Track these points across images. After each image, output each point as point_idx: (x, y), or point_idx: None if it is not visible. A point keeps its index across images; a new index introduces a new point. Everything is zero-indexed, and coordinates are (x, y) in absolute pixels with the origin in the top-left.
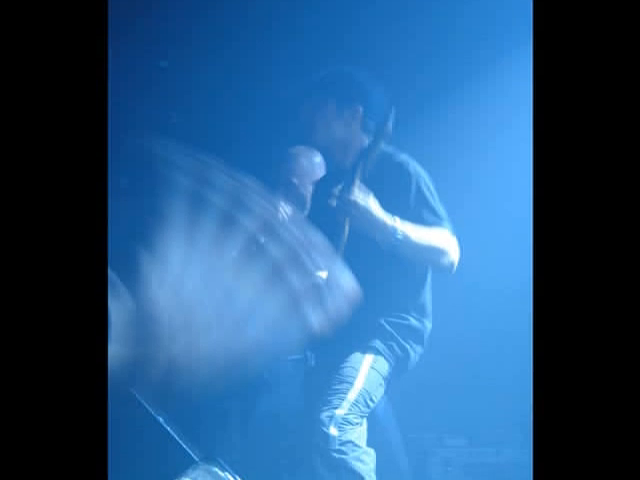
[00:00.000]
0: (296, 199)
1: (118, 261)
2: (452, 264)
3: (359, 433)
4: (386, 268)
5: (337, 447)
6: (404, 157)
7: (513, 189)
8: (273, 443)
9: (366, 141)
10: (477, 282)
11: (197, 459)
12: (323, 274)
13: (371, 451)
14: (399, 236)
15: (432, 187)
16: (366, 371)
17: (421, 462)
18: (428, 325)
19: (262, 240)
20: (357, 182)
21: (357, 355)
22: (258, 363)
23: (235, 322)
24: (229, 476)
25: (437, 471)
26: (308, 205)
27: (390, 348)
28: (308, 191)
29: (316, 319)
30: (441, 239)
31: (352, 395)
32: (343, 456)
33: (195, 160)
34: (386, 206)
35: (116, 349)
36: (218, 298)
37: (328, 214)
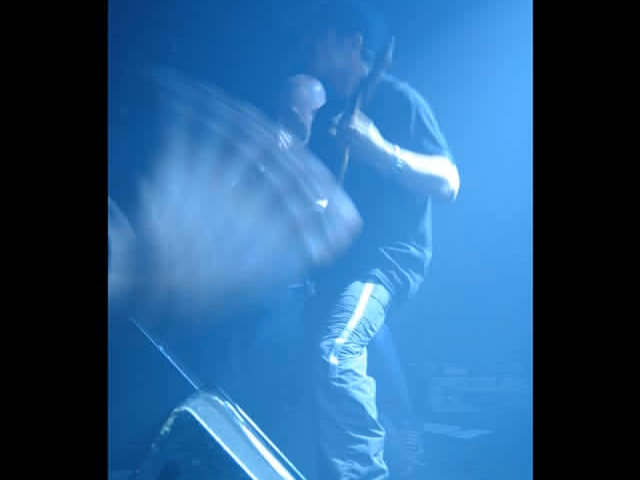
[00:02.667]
0: (296, 128)
1: (118, 190)
2: (452, 193)
3: (359, 362)
4: (386, 197)
5: (337, 376)
6: (404, 86)
7: (513, 118)
8: (273, 372)
9: (366, 70)
10: (477, 211)
11: (197, 388)
12: (323, 203)
13: (371, 380)
14: (399, 165)
15: (432, 116)
16: (366, 300)
17: (421, 391)
18: (428, 254)
19: (262, 169)
20: (357, 111)
21: (357, 284)
22: (258, 292)
23: (235, 251)
24: (229, 405)
25: (437, 400)
26: (308, 134)
27: (390, 277)
28: (308, 120)
29: (316, 248)
30: (441, 168)
31: (352, 324)
32: (343, 385)
33: (195, 89)
34: (386, 135)
35: (116, 278)
36: (218, 227)
37: (328, 143)
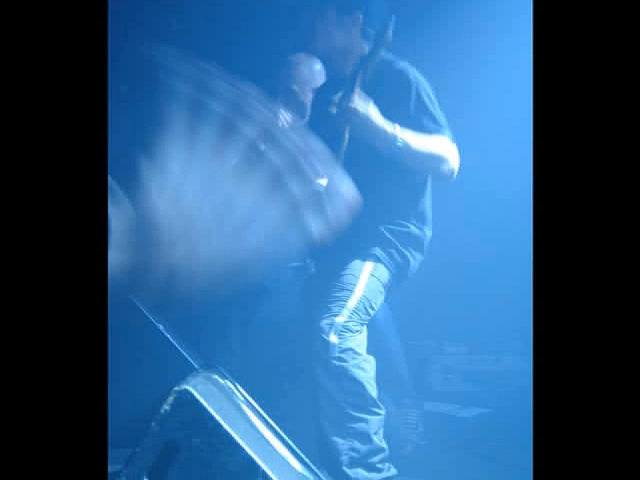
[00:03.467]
0: (296, 107)
1: (118, 168)
2: (452, 172)
3: (359, 341)
4: (386, 176)
5: (337, 354)
6: (404, 65)
7: (513, 96)
8: (273, 351)
9: (366, 49)
10: (477, 190)
11: (197, 366)
12: (323, 182)
13: (371, 358)
14: (399, 143)
15: (432, 95)
16: (366, 278)
17: (421, 369)
18: (428, 233)
19: (262, 147)
20: (357, 89)
21: (357, 262)
22: (258, 270)
23: (235, 229)
24: (229, 383)
25: (437, 378)
26: (308, 113)
27: (390, 255)
28: (308, 99)
29: (316, 226)
30: (441, 147)
31: (352, 302)
32: (343, 363)
33: (195, 67)
34: (386, 113)
35: (116, 256)
36: (218, 205)
37: (328, 122)
